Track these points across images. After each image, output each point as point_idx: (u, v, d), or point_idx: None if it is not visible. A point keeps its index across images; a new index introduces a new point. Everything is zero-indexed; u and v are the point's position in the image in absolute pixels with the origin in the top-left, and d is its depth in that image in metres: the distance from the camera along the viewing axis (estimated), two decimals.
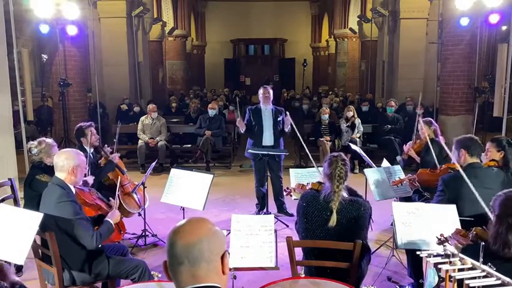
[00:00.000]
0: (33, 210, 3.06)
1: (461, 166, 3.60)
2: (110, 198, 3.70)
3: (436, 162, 4.43)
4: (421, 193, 4.15)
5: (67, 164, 3.08)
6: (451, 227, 3.09)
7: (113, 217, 3.30)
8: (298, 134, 5.47)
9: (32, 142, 4.14)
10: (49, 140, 4.10)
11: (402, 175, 4.71)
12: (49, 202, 3.05)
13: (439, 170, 4.12)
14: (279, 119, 5.85)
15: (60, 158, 3.12)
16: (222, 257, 1.44)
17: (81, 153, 3.27)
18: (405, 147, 5.35)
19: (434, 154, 4.67)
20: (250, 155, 5.91)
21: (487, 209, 2.90)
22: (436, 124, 5.28)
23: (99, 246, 3.22)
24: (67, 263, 3.08)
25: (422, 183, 4.20)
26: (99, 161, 5.01)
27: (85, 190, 3.51)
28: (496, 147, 3.87)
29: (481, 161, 3.63)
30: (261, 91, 5.95)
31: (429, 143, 4.70)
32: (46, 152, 3.97)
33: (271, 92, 5.97)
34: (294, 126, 5.60)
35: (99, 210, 3.50)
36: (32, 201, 3.88)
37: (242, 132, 6.05)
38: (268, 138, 5.87)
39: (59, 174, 3.12)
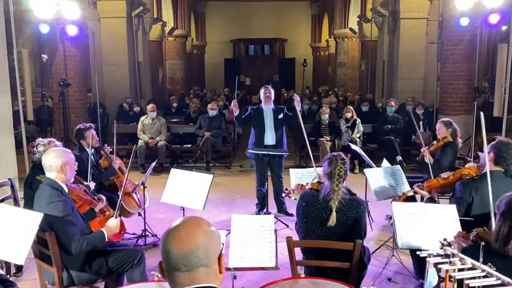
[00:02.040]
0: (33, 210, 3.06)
1: (477, 174, 3.53)
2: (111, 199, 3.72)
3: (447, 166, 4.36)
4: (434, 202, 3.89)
5: (55, 163, 3.07)
6: (451, 227, 3.09)
7: (110, 227, 3.25)
8: (304, 128, 5.20)
9: (41, 139, 4.13)
10: (58, 143, 4.08)
11: (402, 175, 4.71)
12: (40, 203, 3.05)
13: (452, 177, 3.90)
14: (279, 116, 5.86)
15: (47, 157, 3.10)
16: (219, 258, 1.43)
17: (69, 151, 3.27)
18: (422, 150, 5.11)
19: (448, 157, 4.64)
20: (252, 154, 5.92)
21: (493, 217, 2.85)
22: (455, 125, 5.04)
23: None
24: (65, 262, 3.08)
25: (431, 192, 4.02)
26: (99, 161, 5.01)
27: (75, 187, 3.51)
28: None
29: (506, 170, 3.35)
30: (262, 91, 5.95)
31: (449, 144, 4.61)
32: None
33: (272, 91, 5.97)
34: (301, 120, 5.24)
35: (90, 204, 3.54)
36: (32, 201, 3.87)
37: (235, 115, 5.93)
38: (270, 138, 5.88)
39: (49, 174, 3.10)
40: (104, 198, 3.76)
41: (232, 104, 5.95)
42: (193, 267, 1.36)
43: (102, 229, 3.21)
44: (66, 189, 3.16)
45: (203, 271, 1.38)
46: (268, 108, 5.90)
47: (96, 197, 3.72)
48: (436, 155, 5.06)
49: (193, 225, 1.41)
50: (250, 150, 5.86)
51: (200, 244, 1.37)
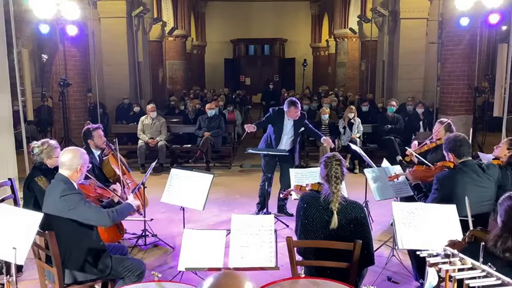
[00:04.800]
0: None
1: (455, 165, 3.62)
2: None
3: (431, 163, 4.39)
4: (421, 189, 4.03)
5: (75, 163, 3.14)
6: (451, 227, 3.09)
7: (133, 200, 3.39)
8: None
9: (35, 142, 4.14)
10: (52, 142, 4.09)
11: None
12: (53, 197, 3.07)
13: (434, 168, 4.05)
14: (300, 130, 5.89)
15: (68, 156, 3.16)
16: None
17: (84, 151, 3.32)
18: (408, 152, 5.22)
19: (435, 157, 4.66)
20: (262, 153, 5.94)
21: (469, 213, 2.98)
22: (454, 128, 5.06)
23: (101, 244, 3.23)
24: (69, 261, 3.08)
25: (416, 179, 4.10)
26: (104, 158, 5.02)
27: (85, 183, 3.52)
28: (507, 145, 3.95)
29: (473, 157, 3.67)
30: (292, 108, 5.69)
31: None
32: (47, 153, 3.96)
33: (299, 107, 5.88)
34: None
35: (102, 197, 3.56)
36: (29, 201, 3.88)
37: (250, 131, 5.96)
38: (284, 143, 5.86)
39: (64, 171, 3.14)
40: (119, 186, 3.78)
41: (246, 127, 5.93)
42: None
43: (128, 201, 3.36)
44: (76, 187, 3.20)
45: None
46: (290, 119, 5.84)
47: (107, 189, 3.74)
48: (428, 156, 5.11)
49: None
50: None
51: None
